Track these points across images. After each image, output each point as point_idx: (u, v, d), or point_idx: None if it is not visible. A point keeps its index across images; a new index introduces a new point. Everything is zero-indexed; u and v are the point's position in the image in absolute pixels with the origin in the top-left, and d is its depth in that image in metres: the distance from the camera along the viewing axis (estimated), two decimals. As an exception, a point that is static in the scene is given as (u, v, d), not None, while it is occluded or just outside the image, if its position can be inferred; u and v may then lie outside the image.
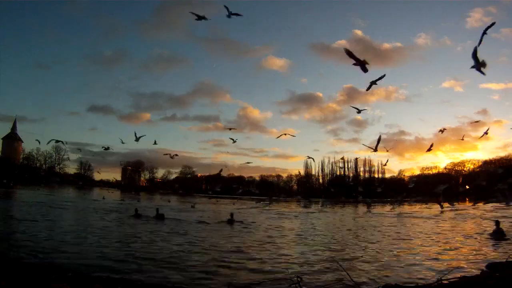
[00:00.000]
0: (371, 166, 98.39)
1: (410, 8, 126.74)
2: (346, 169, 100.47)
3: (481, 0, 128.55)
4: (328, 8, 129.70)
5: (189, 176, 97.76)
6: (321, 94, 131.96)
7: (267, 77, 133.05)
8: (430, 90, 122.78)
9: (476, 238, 10.78)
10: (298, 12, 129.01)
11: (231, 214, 15.74)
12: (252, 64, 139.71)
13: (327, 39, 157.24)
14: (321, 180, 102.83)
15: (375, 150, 12.39)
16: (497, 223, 12.51)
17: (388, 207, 35.66)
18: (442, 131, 21.74)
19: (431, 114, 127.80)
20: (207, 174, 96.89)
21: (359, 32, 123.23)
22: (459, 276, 4.86)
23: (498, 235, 11.81)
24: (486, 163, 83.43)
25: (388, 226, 14.95)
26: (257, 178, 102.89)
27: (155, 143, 27.49)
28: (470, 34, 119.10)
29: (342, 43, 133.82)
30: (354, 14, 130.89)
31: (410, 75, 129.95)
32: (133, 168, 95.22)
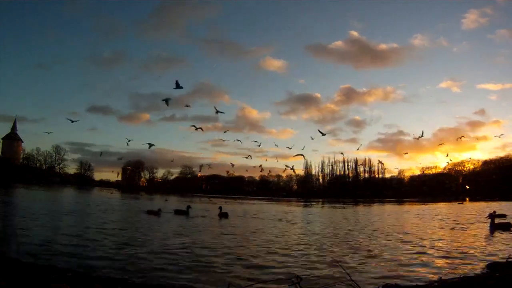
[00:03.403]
0: (371, 166, 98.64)
1: (406, 9, 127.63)
2: (346, 169, 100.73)
3: (477, 1, 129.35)
4: (326, 9, 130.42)
5: (189, 176, 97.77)
6: (319, 95, 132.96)
7: (266, 77, 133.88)
8: (427, 90, 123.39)
9: (475, 236, 10.77)
10: (295, 13, 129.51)
11: (220, 208, 18.00)
12: (250, 65, 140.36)
13: (325, 40, 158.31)
14: (321, 180, 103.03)
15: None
16: (492, 216, 12.68)
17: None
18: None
19: (429, 114, 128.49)
20: (207, 174, 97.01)
21: (355, 33, 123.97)
22: (459, 276, 4.86)
23: (495, 228, 12.00)
24: (485, 163, 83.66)
25: (388, 225, 14.95)
26: (257, 178, 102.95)
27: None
28: (466, 35, 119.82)
29: (339, 44, 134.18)
30: (351, 15, 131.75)
31: (407, 75, 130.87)
32: (133, 168, 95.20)
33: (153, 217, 15.53)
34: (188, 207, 17.95)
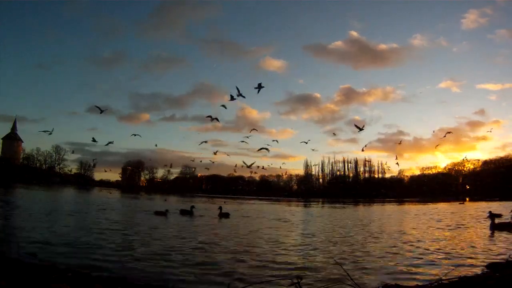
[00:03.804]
0: (371, 166, 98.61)
1: (406, 9, 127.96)
2: (346, 169, 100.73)
3: (477, 1, 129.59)
4: (325, 10, 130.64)
5: (188, 176, 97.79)
6: (318, 95, 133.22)
7: (265, 78, 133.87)
8: (427, 90, 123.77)
9: (475, 236, 10.77)
10: (295, 14, 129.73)
11: (220, 208, 18.29)
12: (250, 65, 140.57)
13: (324, 40, 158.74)
14: (321, 180, 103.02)
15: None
16: (492, 216, 12.73)
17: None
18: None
19: (428, 115, 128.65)
20: (207, 174, 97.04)
21: (355, 33, 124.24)
22: (459, 276, 4.86)
23: (495, 228, 12.05)
24: (485, 163, 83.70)
25: (388, 225, 14.96)
26: (257, 178, 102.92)
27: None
28: (466, 35, 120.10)
29: (339, 44, 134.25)
30: (351, 15, 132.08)
31: (407, 75, 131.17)
32: (133, 168, 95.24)
33: (157, 218, 15.46)
34: (192, 207, 18.18)
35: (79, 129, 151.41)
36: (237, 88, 13.32)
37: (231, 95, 13.93)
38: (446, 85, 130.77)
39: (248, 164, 23.75)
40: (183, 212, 17.85)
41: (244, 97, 13.29)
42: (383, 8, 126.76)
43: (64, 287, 3.85)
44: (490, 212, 16.75)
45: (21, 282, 3.86)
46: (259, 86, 13.19)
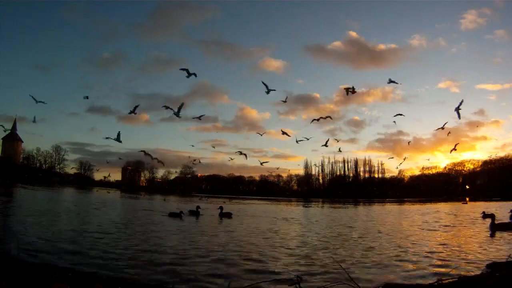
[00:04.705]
0: (371, 166, 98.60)
1: (405, 9, 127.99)
2: (346, 169, 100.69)
3: (475, 1, 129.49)
4: (323, 10, 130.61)
5: (189, 176, 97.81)
6: (318, 95, 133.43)
7: (264, 78, 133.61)
8: (426, 90, 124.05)
9: (475, 236, 10.77)
10: (294, 14, 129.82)
11: (220, 208, 18.34)
12: (249, 65, 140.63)
13: (323, 40, 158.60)
14: (321, 180, 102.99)
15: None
16: (486, 216, 12.77)
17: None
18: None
19: (427, 115, 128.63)
20: (207, 174, 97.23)
21: (353, 34, 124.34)
22: (459, 276, 4.86)
23: (496, 228, 12.07)
24: (485, 163, 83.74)
25: (388, 225, 14.96)
26: (257, 178, 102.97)
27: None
28: (464, 35, 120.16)
29: (338, 44, 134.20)
30: (349, 15, 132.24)
31: (405, 76, 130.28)
32: (133, 168, 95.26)
33: (173, 220, 15.25)
34: (198, 207, 18.37)
35: (79, 129, 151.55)
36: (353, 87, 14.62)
37: (352, 88, 14.96)
38: (445, 85, 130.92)
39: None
40: (191, 213, 18.08)
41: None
42: (382, 8, 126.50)
43: (64, 287, 3.85)
44: (483, 212, 16.80)
45: (21, 283, 3.85)
46: (268, 89, 14.37)
